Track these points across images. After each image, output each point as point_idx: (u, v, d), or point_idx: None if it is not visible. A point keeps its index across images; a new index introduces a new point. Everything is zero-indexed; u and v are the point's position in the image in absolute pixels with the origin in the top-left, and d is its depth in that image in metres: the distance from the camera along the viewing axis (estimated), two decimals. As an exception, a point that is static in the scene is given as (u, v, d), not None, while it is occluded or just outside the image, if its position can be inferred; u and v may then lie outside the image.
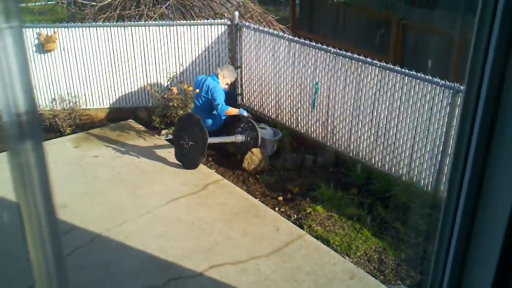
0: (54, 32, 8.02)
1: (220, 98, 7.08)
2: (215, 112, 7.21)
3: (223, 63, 8.27)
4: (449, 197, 1.45)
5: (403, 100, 6.07)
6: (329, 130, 7.10)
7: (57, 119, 7.89)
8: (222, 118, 7.31)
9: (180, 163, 6.88)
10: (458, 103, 5.50)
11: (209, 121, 7.25)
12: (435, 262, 1.56)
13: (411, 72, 5.98)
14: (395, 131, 6.23)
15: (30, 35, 8.01)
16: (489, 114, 1.22)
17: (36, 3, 11.08)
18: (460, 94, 5.46)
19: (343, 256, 5.18)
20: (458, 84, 5.54)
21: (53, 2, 10.78)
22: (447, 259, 1.51)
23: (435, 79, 5.73)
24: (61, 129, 7.90)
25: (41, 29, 8.03)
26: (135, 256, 5.10)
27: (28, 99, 0.99)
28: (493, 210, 1.30)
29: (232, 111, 7.24)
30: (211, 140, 6.80)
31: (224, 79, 7.33)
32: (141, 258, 5.07)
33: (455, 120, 5.55)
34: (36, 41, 8.03)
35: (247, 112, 7.55)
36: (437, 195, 5.80)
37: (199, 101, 7.24)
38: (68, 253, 5.06)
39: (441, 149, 5.72)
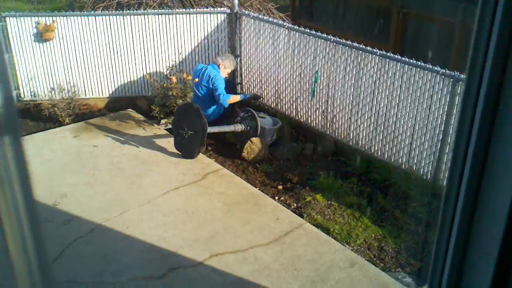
0: (52, 21, 7.97)
1: (222, 87, 7.07)
2: (216, 101, 7.19)
3: (223, 52, 8.23)
4: (449, 187, 1.44)
5: (403, 89, 6.05)
6: (328, 119, 7.09)
7: (56, 109, 7.87)
8: (224, 106, 7.29)
9: (180, 153, 6.87)
10: (458, 91, 5.48)
11: (209, 110, 7.24)
12: (436, 252, 1.56)
13: (411, 61, 5.95)
14: (395, 120, 6.22)
15: (29, 24, 7.96)
16: (491, 102, 1.22)
17: (34, -8, 11.03)
18: (461, 82, 5.44)
19: (343, 245, 5.19)
20: (458, 73, 5.52)
21: (51, -9, 10.72)
22: (447, 249, 1.51)
23: (435, 68, 5.71)
24: (60, 118, 7.88)
25: (40, 18, 7.97)
26: (135, 245, 5.11)
27: (4, 91, 0.96)
28: (494, 200, 1.29)
29: (234, 98, 7.25)
30: (211, 129, 6.79)
31: (226, 69, 7.33)
32: (141, 248, 5.08)
33: (455, 109, 5.54)
34: (35, 30, 7.98)
35: (251, 94, 7.62)
36: (436, 183, 5.80)
37: (199, 90, 7.22)
38: (69, 243, 5.08)
39: (440, 137, 5.71)
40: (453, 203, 1.44)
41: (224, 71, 7.30)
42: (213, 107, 7.27)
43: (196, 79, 7.22)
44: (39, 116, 8.02)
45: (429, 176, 5.92)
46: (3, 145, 0.98)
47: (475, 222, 1.39)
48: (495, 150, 1.24)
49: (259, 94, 8.07)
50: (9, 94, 0.97)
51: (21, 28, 7.97)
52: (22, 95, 8.32)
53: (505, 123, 1.20)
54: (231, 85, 7.91)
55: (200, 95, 7.21)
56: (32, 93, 8.31)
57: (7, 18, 7.90)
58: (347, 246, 5.20)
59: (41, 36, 7.98)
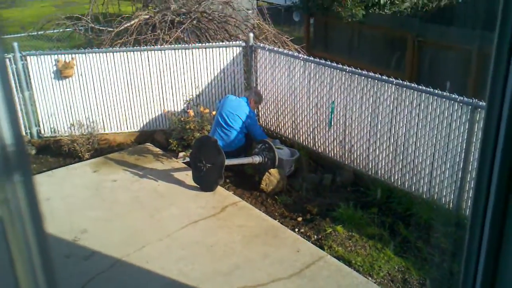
0: (72, 58, 8.14)
1: (258, 125, 7.48)
2: (241, 131, 7.27)
3: (239, 85, 8.31)
4: (474, 215, 1.41)
5: (421, 117, 6.02)
6: (346, 149, 7.06)
7: (76, 144, 7.96)
8: (245, 137, 7.36)
9: (198, 186, 6.87)
10: (477, 118, 5.43)
11: (234, 139, 7.25)
12: (463, 282, 1.52)
13: (428, 89, 5.93)
14: (414, 149, 6.17)
15: (49, 62, 8.14)
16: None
17: (55, 30, 11.27)
18: (479, 109, 5.40)
19: (365, 277, 5.10)
20: (476, 100, 5.48)
21: (70, 29, 10.95)
22: (475, 280, 1.47)
23: (453, 95, 5.68)
24: (79, 154, 7.96)
25: (59, 55, 8.15)
26: (155, 280, 5.07)
27: (14, 130, 0.96)
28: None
29: (269, 140, 7.41)
30: (228, 161, 6.79)
31: (256, 104, 7.64)
32: (161, 283, 5.04)
33: (475, 136, 5.48)
34: (54, 68, 8.15)
35: (278, 141, 7.80)
36: (459, 212, 5.71)
37: (229, 119, 7.22)
38: (88, 279, 5.06)
39: (461, 166, 5.64)
40: (478, 233, 1.41)
41: (254, 106, 7.54)
42: (238, 137, 7.29)
43: (220, 111, 7.26)
44: (59, 152, 8.12)
45: (451, 205, 5.83)
46: (14, 184, 0.97)
47: (502, 249, 1.35)
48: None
49: (275, 125, 8.10)
50: (19, 134, 0.97)
51: (41, 66, 8.15)
52: (42, 131, 8.44)
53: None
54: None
55: (231, 124, 7.22)
56: (52, 129, 8.43)
57: (28, 57, 8.09)
58: (370, 278, 5.11)
59: (61, 73, 8.14)
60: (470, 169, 5.54)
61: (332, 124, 7.15)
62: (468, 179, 5.59)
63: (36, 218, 1.04)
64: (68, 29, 11.01)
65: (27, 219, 1.03)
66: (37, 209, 1.04)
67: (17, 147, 0.96)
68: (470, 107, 5.50)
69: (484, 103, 4.58)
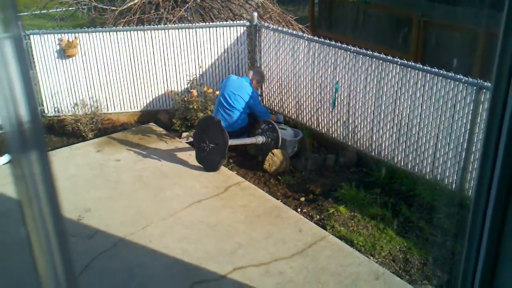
0: (75, 37, 8.10)
1: (261, 104, 7.43)
2: (244, 111, 7.24)
3: (243, 65, 8.27)
4: (477, 196, 1.41)
5: (425, 98, 5.98)
6: (350, 129, 7.04)
7: (79, 124, 7.97)
8: (248, 117, 7.34)
9: (201, 166, 6.89)
10: (482, 99, 5.40)
11: (237, 119, 7.23)
12: (465, 262, 1.52)
13: (433, 69, 5.89)
14: (417, 130, 6.15)
15: (52, 41, 8.11)
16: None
17: (57, 9, 11.21)
18: (484, 90, 5.36)
19: (367, 257, 5.12)
20: (481, 81, 5.44)
21: (73, 8, 10.88)
22: (477, 259, 1.47)
23: (458, 76, 5.63)
24: (83, 133, 7.98)
25: (62, 34, 8.12)
26: (158, 259, 5.11)
27: (31, 108, 0.96)
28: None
29: (272, 119, 7.40)
30: (232, 142, 6.79)
31: (258, 83, 7.60)
32: (164, 262, 5.08)
33: (479, 117, 5.45)
34: (58, 47, 8.12)
35: (281, 116, 7.82)
36: (462, 193, 5.71)
37: (231, 99, 7.20)
38: (93, 257, 5.10)
39: (465, 147, 5.63)
40: (482, 213, 1.41)
41: (256, 86, 7.49)
42: (241, 117, 7.28)
43: (223, 92, 7.24)
44: (63, 132, 8.13)
45: (454, 186, 5.83)
46: (30, 161, 0.98)
47: (506, 228, 1.35)
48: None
49: (279, 106, 8.08)
50: (35, 110, 0.98)
51: (44, 45, 8.12)
52: (46, 111, 8.45)
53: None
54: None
55: (233, 104, 7.20)
56: (56, 109, 8.44)
57: (31, 36, 8.06)
58: (371, 258, 5.13)
59: (64, 52, 8.11)
60: (473, 150, 5.53)
61: (336, 104, 7.12)
62: (472, 160, 5.58)
63: (51, 194, 1.05)
64: (71, 8, 10.94)
65: (43, 195, 1.04)
66: (53, 185, 1.05)
67: (33, 123, 0.97)
68: (475, 88, 5.46)
69: (489, 84, 4.53)
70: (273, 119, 7.43)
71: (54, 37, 8.11)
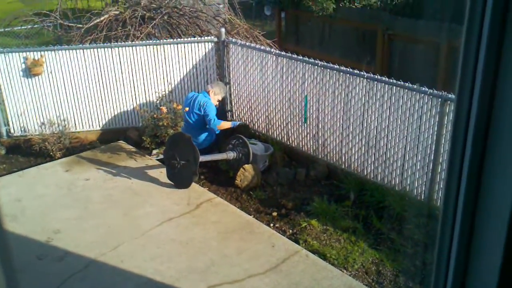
0: (41, 55, 8.00)
1: (212, 113, 7.12)
2: (207, 128, 7.21)
3: (212, 80, 8.27)
4: (446, 206, 1.43)
5: (392, 110, 6.09)
6: (320, 143, 7.11)
7: (47, 143, 7.83)
8: (215, 133, 7.31)
9: (172, 183, 6.84)
10: (447, 111, 5.53)
11: (201, 138, 7.25)
12: (436, 272, 1.55)
13: (399, 82, 6.01)
14: (385, 142, 6.24)
15: (17, 59, 7.98)
16: (483, 120, 1.22)
17: (22, 27, 11.05)
18: (449, 102, 5.49)
19: (340, 270, 5.15)
20: (446, 93, 5.57)
21: (39, 26, 10.74)
22: (448, 269, 1.50)
23: (423, 88, 5.76)
24: (51, 153, 7.84)
25: (28, 53, 8.00)
26: (131, 279, 5.04)
27: None
28: (493, 216, 1.29)
29: (225, 124, 7.29)
30: (203, 158, 6.77)
31: (216, 95, 7.36)
32: (137, 282, 5.01)
33: (445, 128, 5.57)
34: (23, 65, 8.00)
35: (240, 121, 7.65)
36: (431, 203, 5.80)
37: (191, 118, 7.23)
38: (63, 280, 5.00)
39: (432, 157, 5.73)
40: (450, 223, 1.43)
41: (214, 98, 7.33)
42: (205, 135, 7.28)
43: (187, 108, 7.24)
44: (30, 152, 7.99)
45: (423, 197, 5.93)
46: None
47: (474, 236, 1.38)
48: (490, 165, 1.24)
49: (249, 121, 8.10)
50: None
51: (9, 64, 7.99)
52: (12, 130, 8.29)
53: (498, 140, 1.20)
54: (222, 112, 7.94)
55: (192, 122, 7.22)
56: (22, 129, 8.29)
57: (-5, 55, 7.92)
58: (344, 271, 5.17)
59: (30, 71, 7.99)
60: (440, 160, 5.64)
61: (307, 118, 7.18)
62: (439, 171, 5.69)
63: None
64: (36, 26, 10.80)
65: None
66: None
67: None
68: (440, 99, 5.59)
69: (453, 96, 4.64)
70: (226, 125, 7.35)
71: (19, 56, 7.99)
